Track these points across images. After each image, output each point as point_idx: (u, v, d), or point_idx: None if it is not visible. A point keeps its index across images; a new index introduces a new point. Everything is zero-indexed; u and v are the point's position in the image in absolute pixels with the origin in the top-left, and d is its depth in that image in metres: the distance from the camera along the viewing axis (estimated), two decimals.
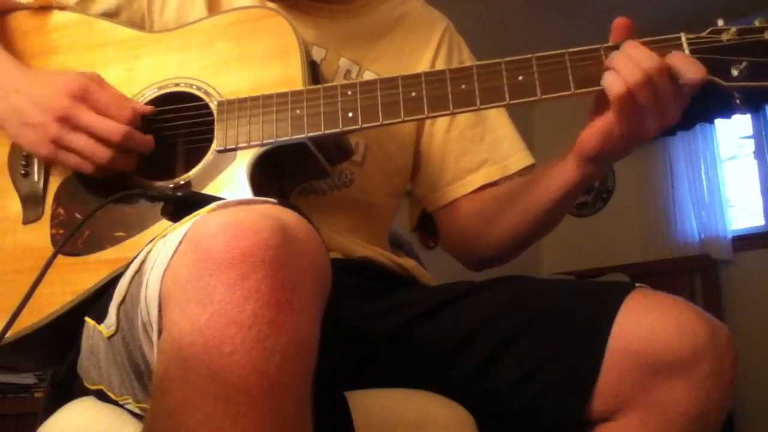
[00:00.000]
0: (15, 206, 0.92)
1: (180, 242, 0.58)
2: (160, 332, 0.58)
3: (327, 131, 0.85)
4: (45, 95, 0.86)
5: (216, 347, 0.52)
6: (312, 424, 0.56)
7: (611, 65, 0.81)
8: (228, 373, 0.51)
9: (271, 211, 0.59)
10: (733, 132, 4.20)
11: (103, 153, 0.85)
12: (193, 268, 0.55)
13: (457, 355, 0.88)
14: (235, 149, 0.86)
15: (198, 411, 0.52)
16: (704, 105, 3.63)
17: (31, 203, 0.92)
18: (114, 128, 0.85)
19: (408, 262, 1.08)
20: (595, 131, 0.86)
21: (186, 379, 0.53)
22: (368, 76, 1.06)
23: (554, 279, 0.92)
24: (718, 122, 4.10)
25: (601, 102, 0.85)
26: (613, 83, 0.80)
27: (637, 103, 0.80)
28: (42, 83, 0.88)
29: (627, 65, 0.80)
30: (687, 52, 0.82)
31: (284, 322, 0.53)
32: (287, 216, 0.60)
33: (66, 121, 0.85)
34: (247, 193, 0.83)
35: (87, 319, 0.79)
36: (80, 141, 0.85)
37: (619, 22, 0.85)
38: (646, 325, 0.79)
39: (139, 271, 0.67)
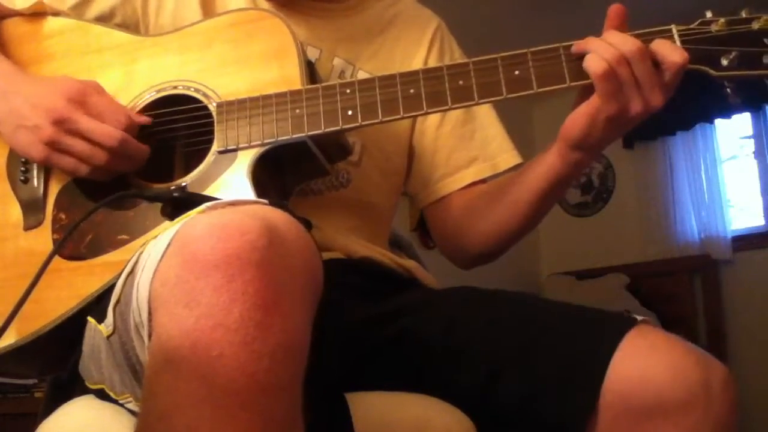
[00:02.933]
0: (15, 212, 0.92)
1: (168, 244, 0.58)
2: (150, 334, 0.58)
3: (327, 129, 0.86)
4: (43, 97, 0.86)
5: (203, 350, 0.52)
6: (304, 426, 0.56)
7: (587, 47, 0.83)
8: (216, 376, 0.51)
9: (260, 212, 0.59)
10: (733, 132, 4.20)
11: (99, 156, 0.85)
12: (180, 270, 0.55)
13: (458, 360, 0.87)
14: (236, 150, 0.86)
15: (187, 415, 0.51)
16: (703, 104, 3.66)
17: (32, 209, 0.91)
18: (110, 133, 0.84)
19: (409, 263, 1.08)
20: (580, 115, 0.87)
21: (174, 383, 0.52)
22: (362, 75, 1.05)
23: (557, 302, 0.91)
24: (718, 122, 4.10)
25: (586, 89, 0.86)
26: (594, 62, 0.82)
27: (619, 81, 0.82)
28: (40, 86, 0.88)
29: (602, 45, 0.82)
30: (678, 43, 0.84)
31: (272, 325, 0.53)
32: (276, 217, 0.59)
33: (62, 123, 0.84)
34: (249, 193, 0.83)
35: (89, 318, 0.79)
36: (76, 144, 0.85)
37: (614, 9, 0.87)
38: (640, 368, 0.77)
39: (132, 272, 0.67)
